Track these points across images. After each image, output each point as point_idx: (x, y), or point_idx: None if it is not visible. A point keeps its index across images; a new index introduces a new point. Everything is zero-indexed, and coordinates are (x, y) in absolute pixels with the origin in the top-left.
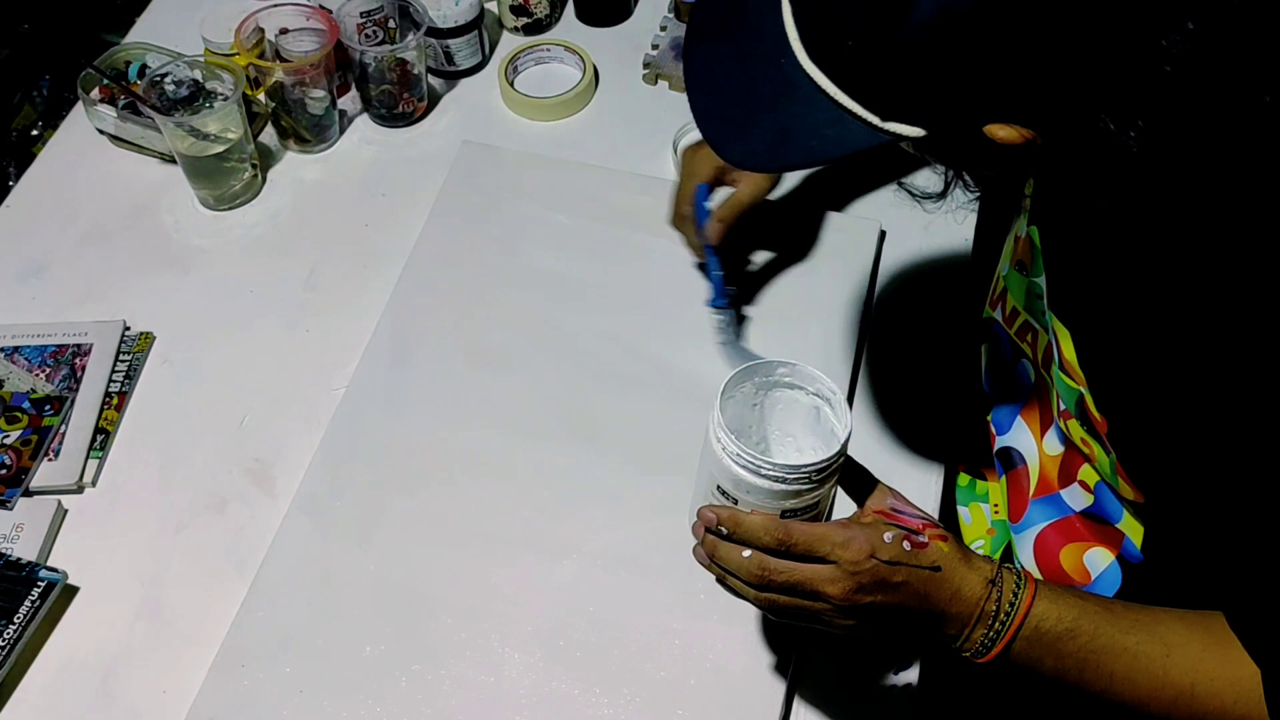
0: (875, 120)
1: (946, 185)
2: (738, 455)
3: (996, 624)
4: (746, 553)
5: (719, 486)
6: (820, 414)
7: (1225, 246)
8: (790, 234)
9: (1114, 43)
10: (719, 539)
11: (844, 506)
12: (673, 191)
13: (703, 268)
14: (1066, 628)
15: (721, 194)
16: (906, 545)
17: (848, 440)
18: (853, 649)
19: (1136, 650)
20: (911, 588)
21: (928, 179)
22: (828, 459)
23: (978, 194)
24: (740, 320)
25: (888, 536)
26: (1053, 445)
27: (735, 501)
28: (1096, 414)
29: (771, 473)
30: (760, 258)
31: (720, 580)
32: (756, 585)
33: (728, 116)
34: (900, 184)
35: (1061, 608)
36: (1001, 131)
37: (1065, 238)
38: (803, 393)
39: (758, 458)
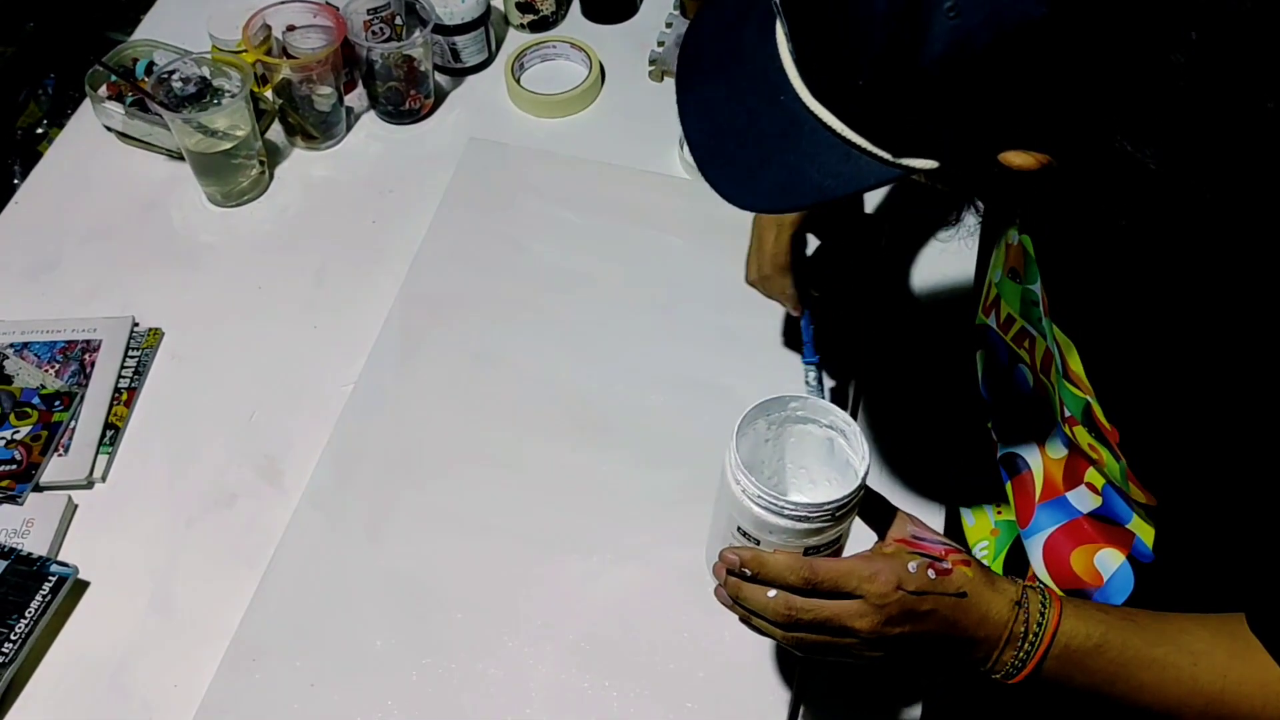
0: (887, 156)
1: (959, 214)
2: (759, 497)
3: (1026, 645)
4: (772, 593)
5: (739, 528)
6: (834, 445)
7: (1238, 255)
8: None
9: (1126, 62)
10: (742, 580)
11: (860, 535)
12: (752, 251)
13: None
14: (1095, 643)
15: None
16: (931, 573)
17: (867, 473)
18: None
19: (1164, 661)
20: (940, 616)
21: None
22: (848, 495)
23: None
24: (821, 378)
25: (912, 566)
26: (1055, 449)
27: (757, 542)
28: (1106, 423)
29: (794, 512)
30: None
31: (744, 620)
32: (784, 625)
33: (732, 160)
34: (910, 215)
35: (1089, 624)
36: (1017, 159)
37: (1065, 250)
38: (816, 425)
39: (779, 498)
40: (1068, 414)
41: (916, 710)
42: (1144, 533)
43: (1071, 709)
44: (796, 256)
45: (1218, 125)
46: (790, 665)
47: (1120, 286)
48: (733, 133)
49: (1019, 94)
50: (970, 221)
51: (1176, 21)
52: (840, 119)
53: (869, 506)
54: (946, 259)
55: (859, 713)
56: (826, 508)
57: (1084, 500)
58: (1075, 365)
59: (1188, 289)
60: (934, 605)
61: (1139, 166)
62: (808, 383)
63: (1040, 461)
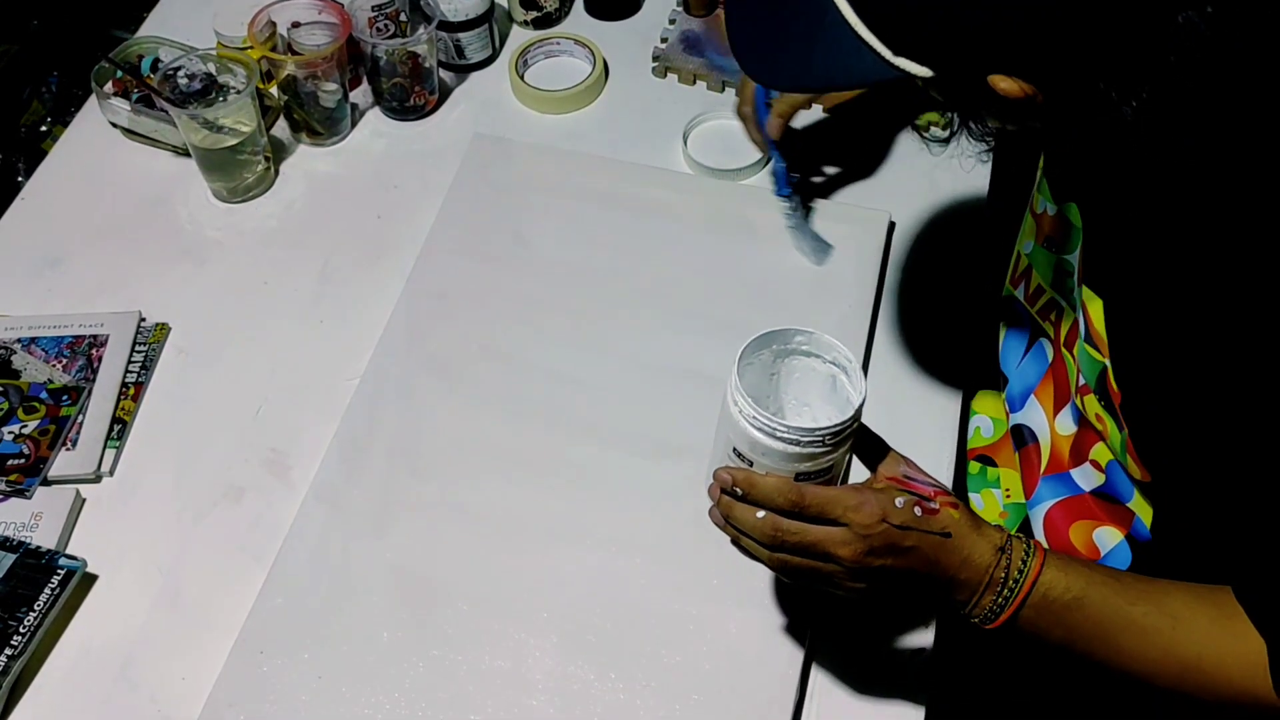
0: (887, 54)
1: (951, 132)
2: (754, 418)
3: (1005, 591)
4: (760, 514)
5: (735, 449)
6: (836, 382)
7: (1241, 227)
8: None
9: (1127, 13)
10: (734, 500)
11: (858, 476)
12: (739, 88)
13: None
14: (1075, 596)
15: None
16: (918, 511)
17: (861, 406)
18: (867, 627)
19: (1144, 622)
20: (921, 553)
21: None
22: (841, 423)
23: (988, 146)
24: (806, 207)
25: (899, 501)
26: (1065, 425)
27: (751, 464)
28: (1115, 386)
29: (786, 435)
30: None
31: (734, 541)
32: (769, 545)
33: (762, 38)
34: (914, 126)
35: (1070, 577)
36: (1003, 83)
37: (1105, 208)
38: (819, 360)
39: (773, 420)
40: (1082, 382)
41: (921, 702)
42: (1143, 511)
43: (1068, 677)
44: (760, 106)
45: (1212, 96)
46: (797, 654)
47: (1145, 244)
48: (767, 14)
49: (1017, 21)
50: (969, 147)
51: None
52: (855, 10)
53: (864, 443)
54: (959, 221)
55: (864, 705)
56: (818, 433)
57: (1087, 478)
58: (1098, 325)
59: (1196, 252)
60: (917, 542)
61: (1118, 116)
62: (787, 214)
63: (1049, 435)
